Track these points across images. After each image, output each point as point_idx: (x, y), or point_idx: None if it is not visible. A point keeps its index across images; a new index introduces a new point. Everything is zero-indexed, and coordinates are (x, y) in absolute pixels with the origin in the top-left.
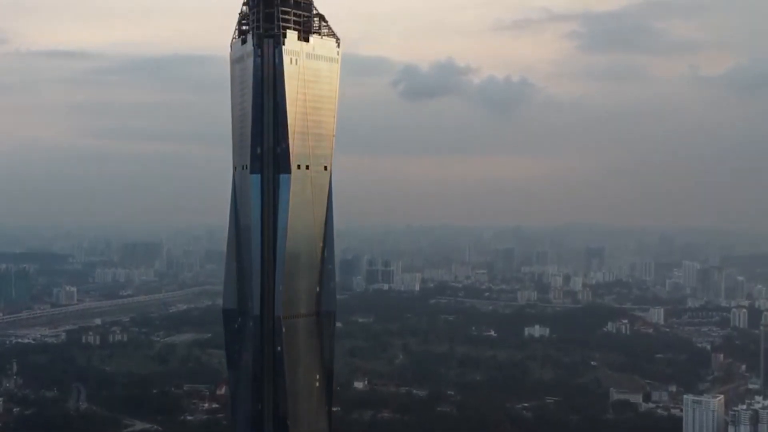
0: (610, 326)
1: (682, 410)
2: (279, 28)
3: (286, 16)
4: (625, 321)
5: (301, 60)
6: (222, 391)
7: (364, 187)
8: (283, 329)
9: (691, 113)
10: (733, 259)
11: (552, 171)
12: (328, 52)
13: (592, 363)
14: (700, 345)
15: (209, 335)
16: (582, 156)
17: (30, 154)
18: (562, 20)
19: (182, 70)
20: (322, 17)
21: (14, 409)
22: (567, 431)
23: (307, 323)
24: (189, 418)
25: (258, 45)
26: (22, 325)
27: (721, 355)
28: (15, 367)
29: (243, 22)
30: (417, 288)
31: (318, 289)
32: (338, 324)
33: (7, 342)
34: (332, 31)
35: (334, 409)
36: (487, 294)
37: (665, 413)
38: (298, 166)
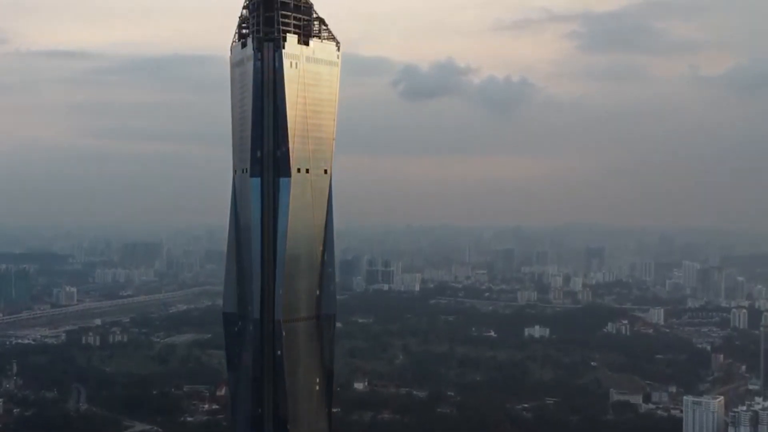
0: (610, 327)
1: (682, 411)
2: (279, 32)
3: (286, 20)
4: (625, 321)
5: (301, 63)
6: (222, 392)
7: (364, 188)
8: (283, 333)
9: (691, 113)
10: (733, 259)
11: (552, 171)
12: (328, 55)
13: (592, 363)
14: (700, 345)
15: (209, 336)
16: (582, 156)
17: (30, 154)
18: (562, 20)
19: (182, 70)
20: (322, 21)
21: (14, 410)
22: None
23: (307, 326)
24: (189, 419)
25: (258, 49)
26: (22, 325)
27: (721, 356)
28: (15, 368)
29: (243, 25)
30: (417, 288)
31: (318, 292)
32: (338, 324)
33: (7, 342)
34: (332, 35)
35: (334, 410)
36: (487, 294)
37: (665, 414)
38: (298, 170)
